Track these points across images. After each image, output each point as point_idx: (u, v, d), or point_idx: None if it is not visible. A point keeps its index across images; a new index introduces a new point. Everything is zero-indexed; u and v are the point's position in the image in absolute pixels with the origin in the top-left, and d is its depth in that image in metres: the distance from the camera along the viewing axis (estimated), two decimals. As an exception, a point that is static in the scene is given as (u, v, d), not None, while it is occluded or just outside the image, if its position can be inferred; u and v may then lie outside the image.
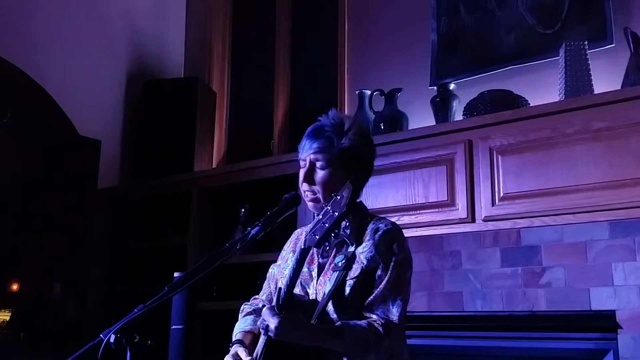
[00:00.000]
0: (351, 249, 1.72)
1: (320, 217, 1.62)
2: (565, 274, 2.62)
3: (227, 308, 3.48)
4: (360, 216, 1.83)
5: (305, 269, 1.80)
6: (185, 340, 2.98)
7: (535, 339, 2.68)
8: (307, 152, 1.81)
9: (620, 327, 2.44)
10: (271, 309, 1.57)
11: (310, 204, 1.85)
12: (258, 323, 1.63)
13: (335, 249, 1.79)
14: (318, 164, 1.80)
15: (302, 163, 1.84)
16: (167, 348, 3.05)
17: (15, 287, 3.63)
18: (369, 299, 1.69)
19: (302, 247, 1.62)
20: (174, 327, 2.99)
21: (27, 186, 3.67)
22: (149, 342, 3.44)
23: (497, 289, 2.77)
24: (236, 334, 1.88)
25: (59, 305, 3.79)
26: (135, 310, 1.56)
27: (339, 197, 1.60)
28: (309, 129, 1.85)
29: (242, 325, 1.91)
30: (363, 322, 1.64)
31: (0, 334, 3.48)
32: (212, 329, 3.49)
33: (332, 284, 1.67)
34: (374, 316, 1.67)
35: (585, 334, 2.56)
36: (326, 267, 1.78)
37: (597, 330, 2.53)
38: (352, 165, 1.81)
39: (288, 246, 2.01)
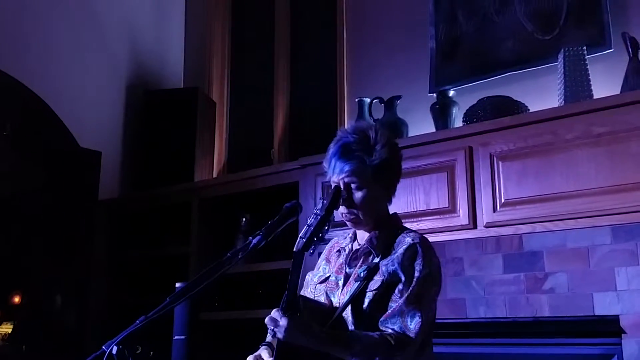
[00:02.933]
0: (375, 260, 1.73)
1: (311, 220, 1.65)
2: (568, 280, 2.61)
3: (230, 318, 3.50)
4: (391, 228, 1.82)
5: (332, 278, 1.82)
6: (187, 350, 2.96)
7: (539, 345, 2.67)
8: (339, 175, 1.76)
9: (624, 332, 2.43)
10: (278, 312, 1.59)
11: (349, 224, 1.83)
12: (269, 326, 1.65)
13: (362, 260, 1.79)
14: (354, 185, 1.76)
15: (332, 184, 1.81)
16: (169, 359, 3.03)
17: (17, 299, 3.62)
18: (387, 312, 1.68)
19: (294, 250, 1.64)
20: (176, 337, 2.97)
21: (28, 198, 3.67)
22: (151, 353, 3.43)
23: (500, 295, 2.77)
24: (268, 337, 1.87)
25: (60, 317, 3.78)
26: (137, 321, 1.56)
27: (325, 201, 1.64)
28: (335, 149, 1.79)
29: None
30: (375, 334, 1.64)
31: (2, 347, 3.47)
32: (215, 339, 3.48)
33: (350, 294, 1.69)
34: (390, 330, 1.66)
35: (589, 339, 2.55)
36: (351, 277, 1.78)
37: (601, 335, 2.52)
38: (386, 176, 1.81)
39: (323, 253, 1.99)
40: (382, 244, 1.76)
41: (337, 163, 1.76)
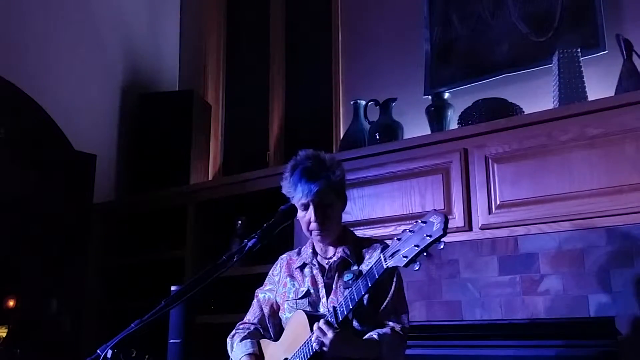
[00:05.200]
0: (355, 267, 1.89)
1: (403, 240, 1.68)
2: (564, 281, 2.61)
3: (225, 321, 3.46)
4: (353, 240, 2.03)
5: (312, 291, 1.97)
6: (183, 354, 2.96)
7: (535, 346, 2.67)
8: (309, 196, 1.92)
9: (620, 334, 2.43)
10: (328, 324, 1.74)
11: (318, 237, 1.99)
12: (313, 338, 1.76)
13: (338, 270, 1.95)
14: (323, 203, 1.94)
15: (302, 206, 1.95)
16: (165, 362, 3.03)
17: (12, 303, 3.60)
18: (383, 308, 1.90)
19: (387, 267, 1.70)
20: (171, 341, 2.97)
21: (23, 201, 3.66)
22: (147, 356, 3.41)
23: (495, 297, 2.76)
24: (241, 357, 2.02)
25: (55, 321, 3.76)
26: (132, 324, 1.56)
27: (426, 223, 1.66)
28: (298, 174, 1.94)
29: (243, 349, 2.04)
30: (386, 330, 1.87)
31: (-3, 351, 3.46)
32: (210, 342, 3.47)
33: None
34: (391, 323, 1.88)
35: (584, 340, 2.55)
36: (334, 286, 1.93)
37: (596, 337, 2.52)
38: (344, 192, 2.02)
39: (280, 271, 2.13)
40: (354, 254, 1.96)
41: (305, 186, 1.91)
